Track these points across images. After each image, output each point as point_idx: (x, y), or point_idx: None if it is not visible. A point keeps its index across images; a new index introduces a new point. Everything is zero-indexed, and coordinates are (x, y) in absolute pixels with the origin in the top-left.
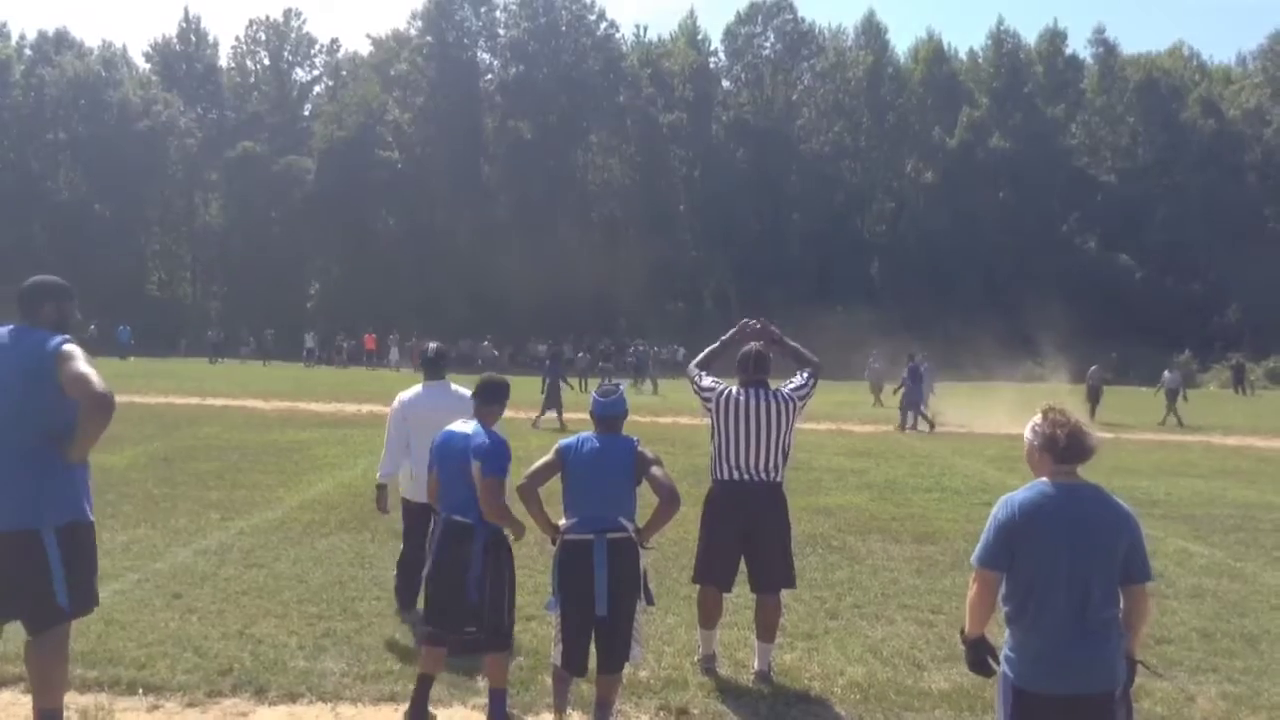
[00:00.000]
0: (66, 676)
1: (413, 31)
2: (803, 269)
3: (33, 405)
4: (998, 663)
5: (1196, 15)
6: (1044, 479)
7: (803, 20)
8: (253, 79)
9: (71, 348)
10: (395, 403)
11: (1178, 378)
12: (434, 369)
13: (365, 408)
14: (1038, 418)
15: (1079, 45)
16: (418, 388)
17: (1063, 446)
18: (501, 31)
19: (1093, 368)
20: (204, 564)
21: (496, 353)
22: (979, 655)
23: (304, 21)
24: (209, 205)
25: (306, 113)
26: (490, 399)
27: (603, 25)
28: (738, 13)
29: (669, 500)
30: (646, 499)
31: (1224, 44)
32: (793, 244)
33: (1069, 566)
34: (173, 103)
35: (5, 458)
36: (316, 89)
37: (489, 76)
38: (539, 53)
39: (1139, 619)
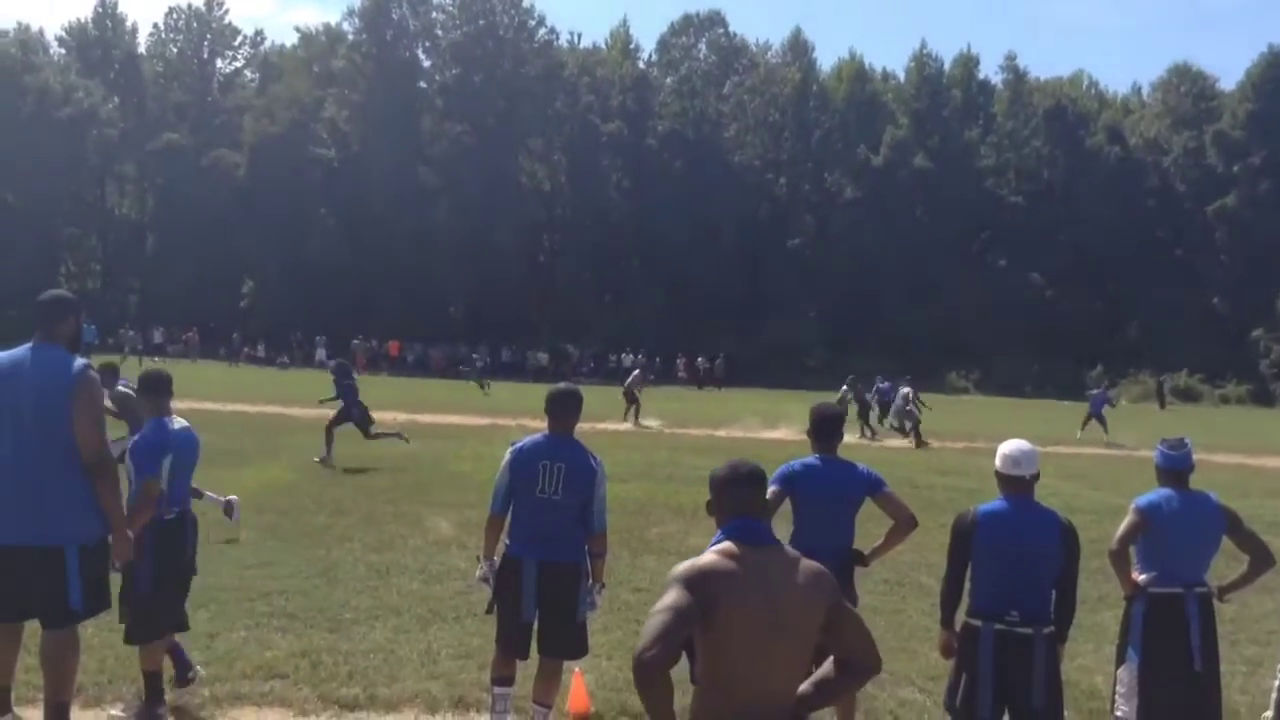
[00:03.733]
0: (77, 670)
1: (348, 28)
2: (732, 279)
3: (55, 425)
4: None
5: (1097, 44)
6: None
7: (734, 34)
8: (174, 68)
9: (90, 378)
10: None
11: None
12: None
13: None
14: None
15: (991, 70)
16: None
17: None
18: (440, 33)
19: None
20: None
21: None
22: None
23: (226, 11)
24: (124, 196)
25: (230, 105)
26: None
27: (541, 31)
28: (671, 24)
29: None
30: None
31: (1121, 74)
32: (723, 254)
33: None
34: (95, 91)
35: (31, 475)
36: (241, 81)
37: (428, 78)
38: (478, 56)
39: None
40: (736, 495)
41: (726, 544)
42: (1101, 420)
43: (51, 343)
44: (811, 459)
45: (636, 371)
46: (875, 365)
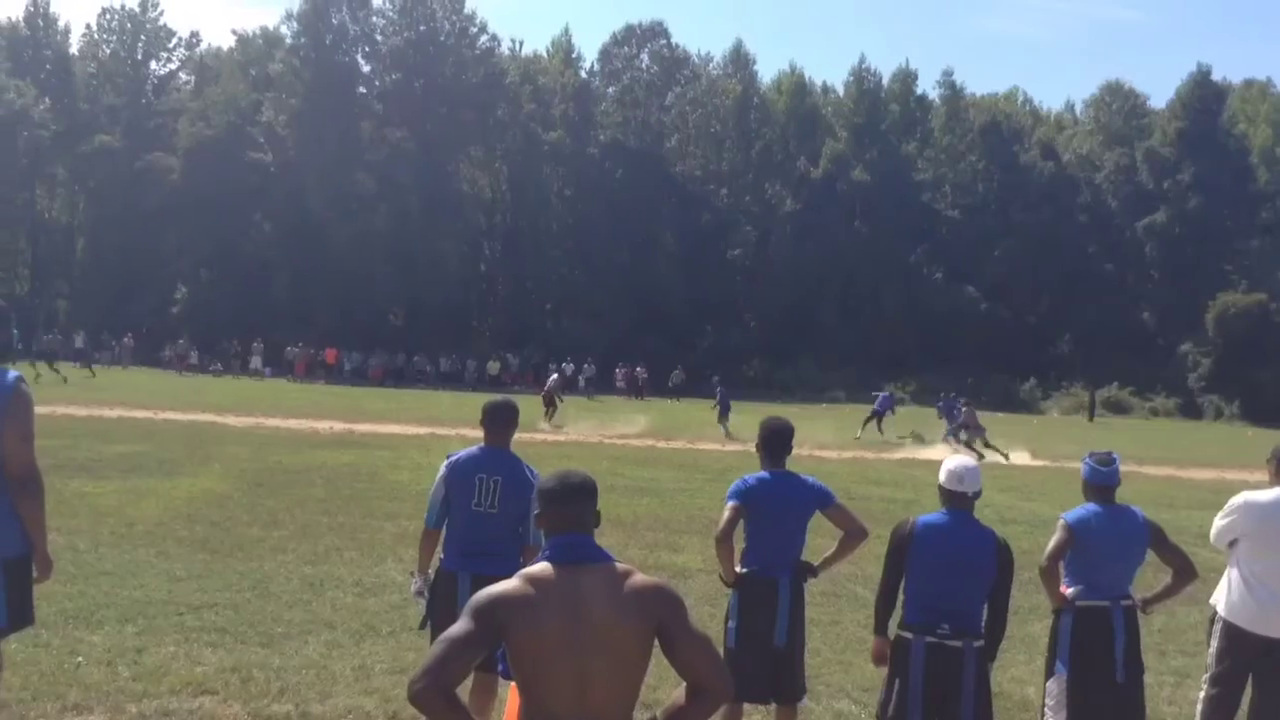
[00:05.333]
0: (1, 686)
1: (285, 31)
2: (673, 289)
3: None
4: None
5: (1031, 62)
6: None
7: (676, 45)
8: (107, 70)
9: (25, 391)
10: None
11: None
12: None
13: (355, 427)
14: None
15: (929, 86)
16: None
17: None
18: (380, 39)
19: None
20: None
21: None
22: None
23: (161, 12)
24: (55, 200)
25: (164, 108)
26: None
27: (483, 38)
28: (613, 34)
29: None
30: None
31: (1054, 91)
32: (663, 264)
33: None
34: (25, 91)
35: None
36: (176, 84)
37: (367, 84)
38: (418, 62)
39: None
40: (563, 510)
41: (538, 566)
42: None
43: None
44: (763, 473)
45: (555, 376)
46: (810, 376)
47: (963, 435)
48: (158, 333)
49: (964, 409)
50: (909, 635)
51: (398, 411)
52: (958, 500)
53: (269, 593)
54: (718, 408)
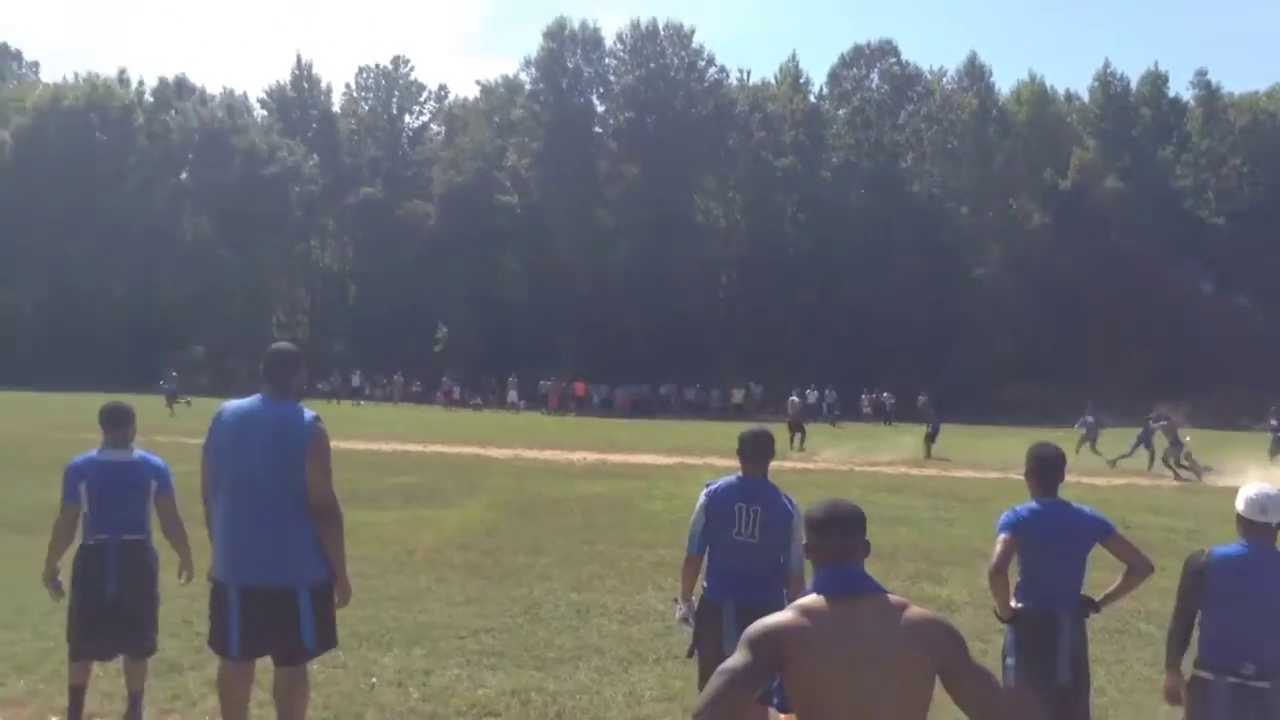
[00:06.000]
0: (307, 705)
1: (524, 77)
2: (915, 311)
3: (286, 474)
4: None
5: None
6: None
7: (907, 63)
8: (366, 125)
9: (323, 429)
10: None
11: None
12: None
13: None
14: None
15: (1181, 87)
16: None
17: None
18: (613, 78)
19: None
20: None
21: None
22: None
23: (412, 68)
24: (326, 249)
25: (419, 158)
26: None
27: (711, 70)
28: (841, 55)
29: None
30: None
31: None
32: (903, 286)
33: None
34: (296, 150)
35: (268, 521)
36: (428, 134)
37: (602, 123)
38: (650, 99)
39: None
40: (833, 540)
41: (811, 598)
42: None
43: (283, 395)
44: (1034, 504)
45: (795, 401)
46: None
47: (1164, 454)
48: (423, 370)
49: (1163, 423)
50: (1208, 675)
51: (646, 441)
52: (1259, 531)
53: (539, 618)
54: (927, 428)
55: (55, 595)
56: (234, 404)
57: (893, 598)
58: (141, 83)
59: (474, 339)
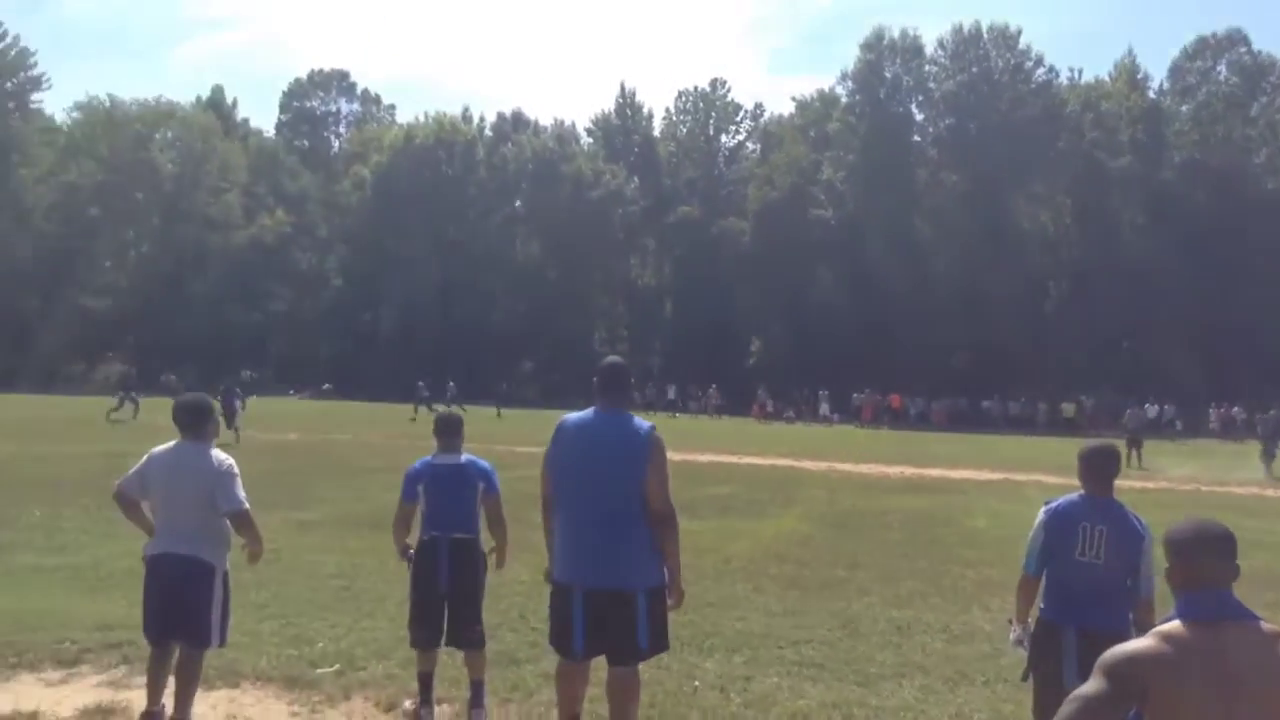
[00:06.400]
0: (638, 703)
1: (840, 90)
2: (1268, 318)
3: (628, 482)
4: None
5: None
6: None
7: (1259, 52)
8: (684, 147)
9: (660, 439)
10: None
11: None
12: None
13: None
14: None
15: None
16: None
17: None
18: (933, 85)
19: None
20: None
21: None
22: None
23: (729, 89)
24: (645, 267)
25: (734, 176)
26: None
27: (1039, 71)
28: (1184, 48)
29: None
30: None
31: None
32: (1253, 291)
33: None
34: (618, 174)
35: (607, 526)
36: (744, 153)
37: (921, 131)
38: (972, 103)
39: None
40: (1201, 562)
41: (1173, 624)
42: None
43: (620, 407)
44: None
45: (1133, 411)
46: None
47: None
48: (737, 383)
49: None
50: None
51: (966, 456)
52: None
53: (859, 633)
54: (1263, 444)
55: (408, 560)
56: (575, 416)
57: (1266, 626)
58: (482, 118)
59: (787, 352)
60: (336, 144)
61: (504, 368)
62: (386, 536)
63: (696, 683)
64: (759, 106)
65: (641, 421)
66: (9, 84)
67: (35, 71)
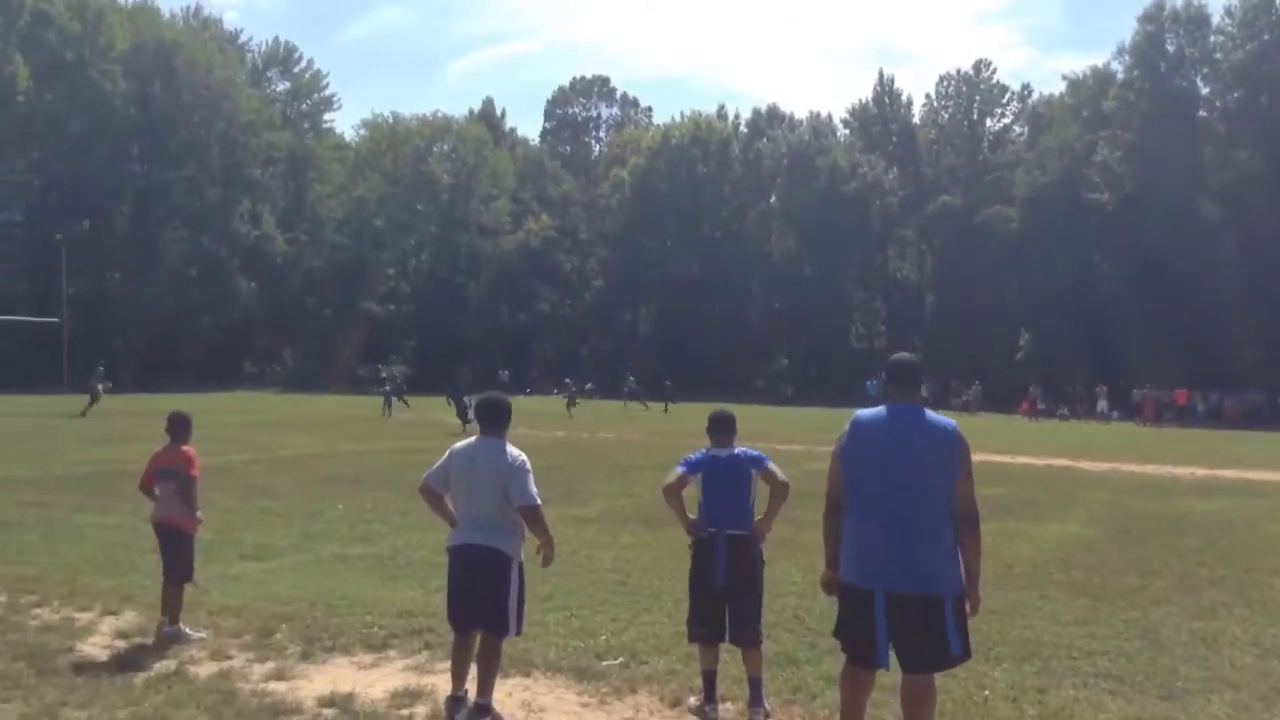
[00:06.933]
0: (934, 715)
1: (1116, 66)
2: None
3: (938, 482)
4: None
5: None
6: None
7: None
8: (946, 133)
9: (965, 437)
10: None
11: None
12: None
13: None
14: None
15: None
16: None
17: None
18: (1219, 56)
19: None
20: None
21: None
22: None
23: (994, 71)
24: (904, 260)
25: (1000, 161)
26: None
27: None
28: None
29: None
30: None
31: None
32: None
33: None
34: (876, 165)
35: (915, 528)
36: (1010, 137)
37: (1207, 106)
38: (1264, 74)
39: None
40: None
41: None
42: None
43: (913, 402)
44: None
45: None
46: None
47: None
48: (1003, 379)
49: None
50: None
51: (1266, 456)
52: None
53: (1159, 644)
54: None
55: (696, 531)
56: (870, 413)
57: None
58: (737, 115)
59: (1059, 345)
60: (597, 148)
61: (759, 364)
62: (657, 532)
63: (987, 692)
64: (1026, 88)
65: (944, 419)
66: (304, 105)
67: (327, 93)
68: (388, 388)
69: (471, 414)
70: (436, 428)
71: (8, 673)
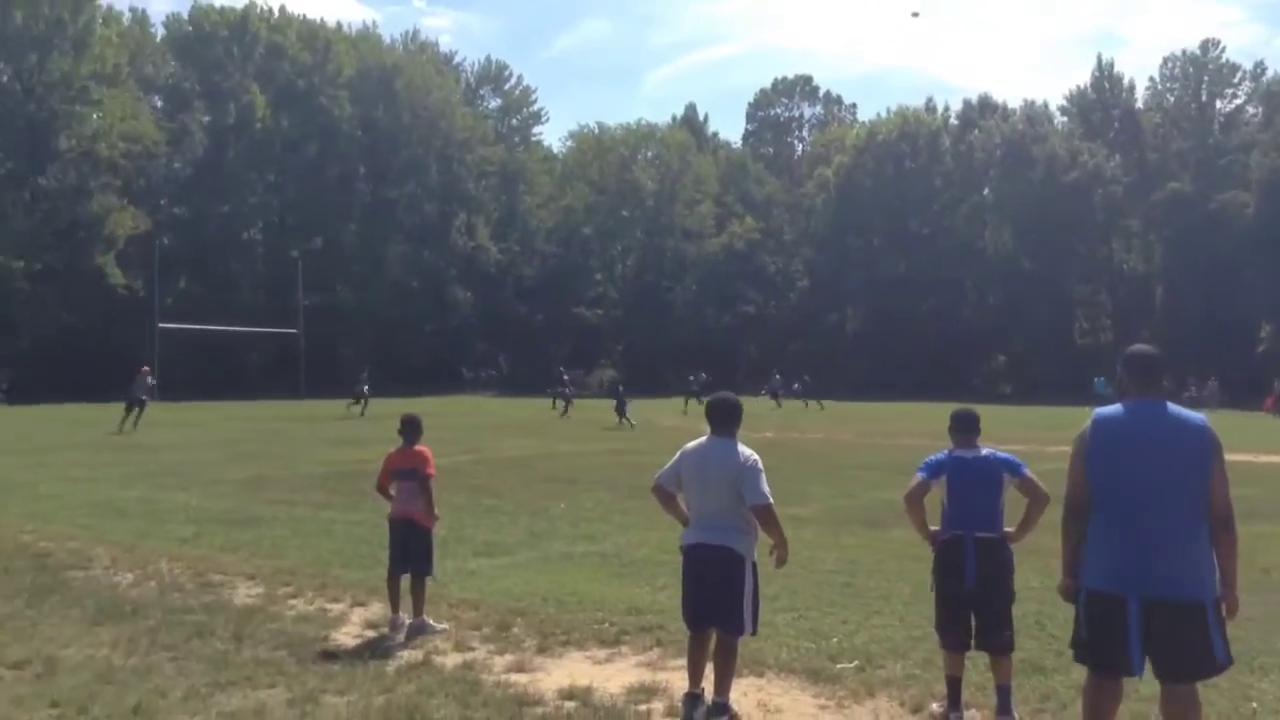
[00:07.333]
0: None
1: None
2: None
3: (1194, 483)
4: None
5: None
6: None
7: None
8: (1172, 116)
9: (1218, 436)
10: None
11: None
12: None
13: None
14: None
15: None
16: None
17: None
18: None
19: None
20: None
21: None
22: None
23: (1223, 50)
24: (1130, 251)
25: (1234, 144)
26: None
27: None
28: None
29: None
30: None
31: None
32: None
33: None
34: (1097, 152)
35: (1172, 531)
36: (1243, 118)
37: None
38: None
39: None
40: None
41: None
42: None
43: (1157, 399)
44: None
45: None
46: None
47: None
48: (1243, 374)
49: None
50: None
51: None
52: None
53: None
54: None
55: (936, 541)
56: (1110, 410)
57: None
58: (947, 107)
59: None
60: (800, 148)
61: (974, 362)
62: (879, 534)
63: (1254, 704)
64: (1259, 65)
65: (1193, 413)
66: (514, 120)
67: (535, 107)
68: (565, 390)
69: (629, 411)
70: (656, 432)
71: (271, 660)
